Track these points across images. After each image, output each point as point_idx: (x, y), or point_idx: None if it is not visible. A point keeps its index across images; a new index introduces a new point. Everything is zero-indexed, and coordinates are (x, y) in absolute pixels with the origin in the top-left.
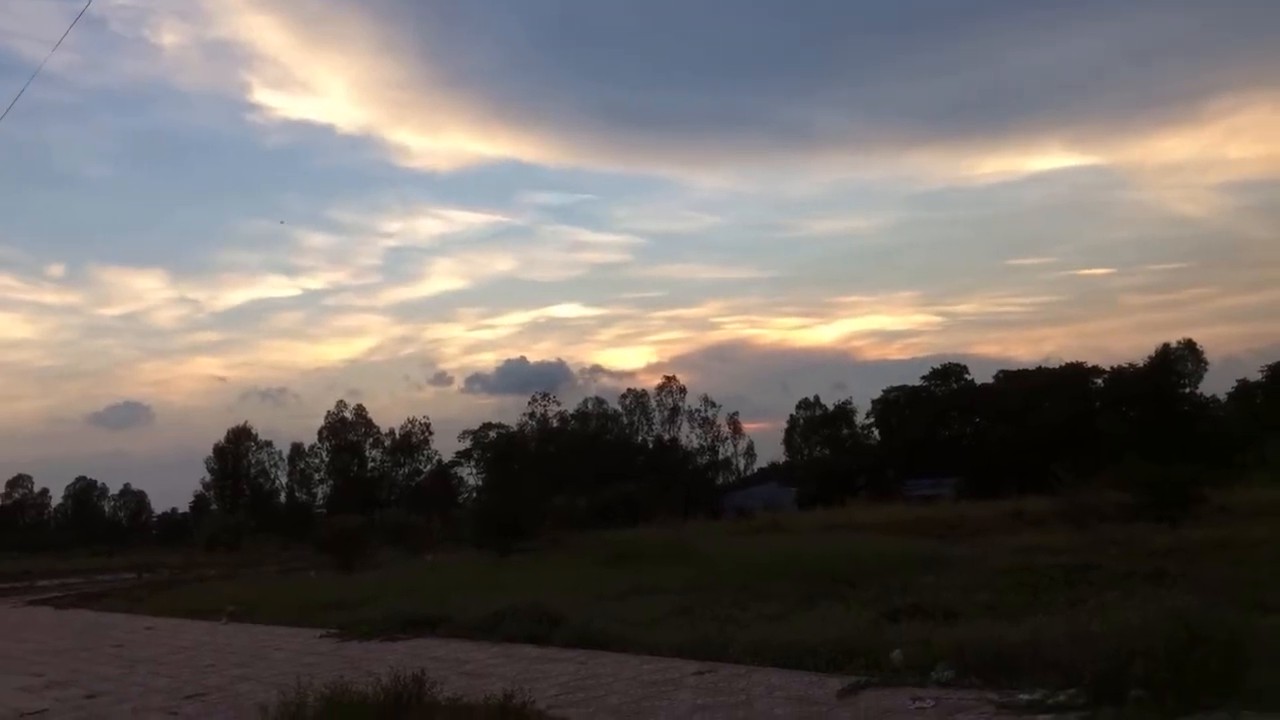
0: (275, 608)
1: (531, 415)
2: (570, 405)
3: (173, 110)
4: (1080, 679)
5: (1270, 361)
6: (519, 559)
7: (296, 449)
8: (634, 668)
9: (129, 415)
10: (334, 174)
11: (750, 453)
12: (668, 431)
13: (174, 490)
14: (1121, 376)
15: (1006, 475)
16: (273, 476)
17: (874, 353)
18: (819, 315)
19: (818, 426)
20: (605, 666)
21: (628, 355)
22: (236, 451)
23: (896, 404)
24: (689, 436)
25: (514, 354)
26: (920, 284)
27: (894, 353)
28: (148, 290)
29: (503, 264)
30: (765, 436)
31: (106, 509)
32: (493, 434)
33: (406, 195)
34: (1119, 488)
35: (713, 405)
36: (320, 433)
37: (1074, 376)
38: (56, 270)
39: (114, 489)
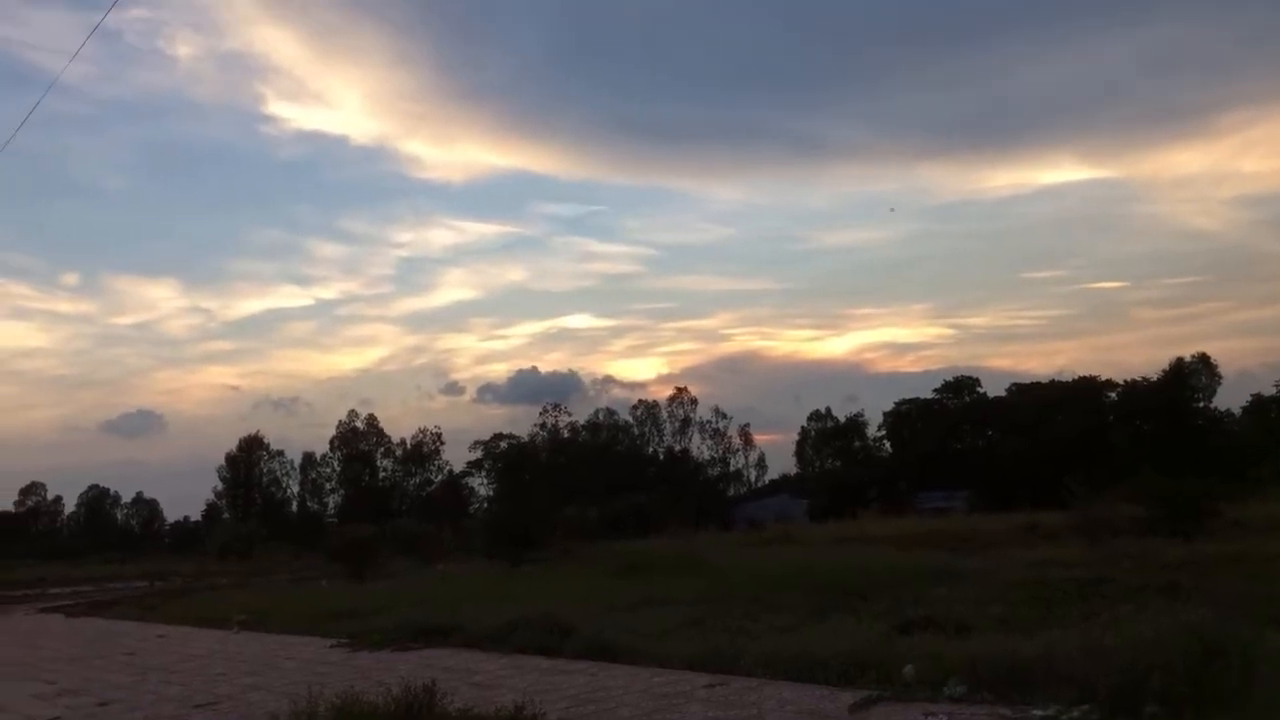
0: (287, 616)
1: (543, 426)
2: (581, 416)
3: (187, 121)
4: (1094, 694)
5: None
6: (530, 569)
7: (308, 458)
8: (645, 680)
9: (142, 424)
10: (347, 185)
11: (761, 464)
12: (679, 443)
13: (186, 499)
14: (1135, 390)
15: (1019, 488)
16: (284, 485)
17: (886, 365)
18: (831, 327)
19: (829, 438)
20: (616, 678)
21: (639, 366)
22: (248, 460)
23: (908, 416)
24: (700, 448)
25: (525, 364)
26: (933, 296)
27: (906, 365)
28: (161, 299)
29: (514, 274)
30: (776, 448)
31: (119, 517)
32: (504, 444)
33: (419, 206)
34: (1132, 501)
35: (724, 417)
36: (332, 442)
37: (1087, 390)
38: (71, 279)
39: (126, 497)
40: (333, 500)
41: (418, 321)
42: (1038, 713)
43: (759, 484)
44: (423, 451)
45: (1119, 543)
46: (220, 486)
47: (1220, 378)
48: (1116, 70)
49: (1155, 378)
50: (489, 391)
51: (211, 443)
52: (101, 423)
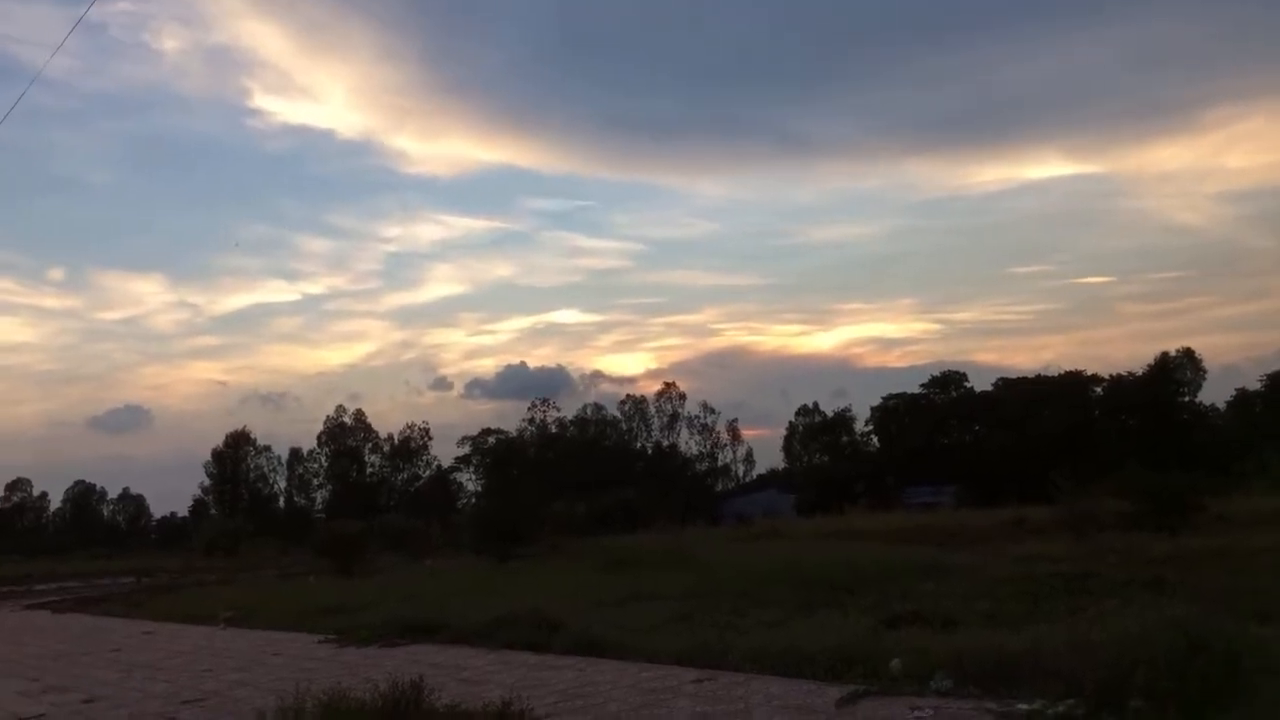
0: (273, 613)
1: (531, 421)
2: (570, 411)
3: (173, 115)
4: (1080, 688)
5: (1269, 370)
6: (518, 565)
7: (295, 454)
8: (633, 675)
9: (129, 419)
10: (334, 179)
11: (749, 459)
12: (667, 438)
13: (173, 494)
14: (1120, 385)
15: (1006, 483)
16: (271, 481)
17: (873, 360)
18: (818, 322)
19: (817, 433)
20: (604, 674)
21: (627, 361)
22: (235, 456)
23: (896, 411)
24: (688, 443)
25: (514, 359)
26: (919, 292)
27: (893, 360)
28: (148, 294)
29: (502, 269)
30: (764, 443)
31: (105, 513)
32: (492, 440)
33: (406, 201)
34: (1118, 496)
35: (712, 412)
36: (319, 437)
37: (1073, 385)
38: (57, 274)
39: (113, 493)
40: (320, 496)
41: (405, 316)
42: (1024, 707)
43: (747, 479)
44: (410, 447)
45: (1105, 537)
46: (207, 482)
47: (1205, 372)
48: (1101, 66)
49: (1141, 372)
50: (477, 387)
51: (199, 438)
52: (88, 418)
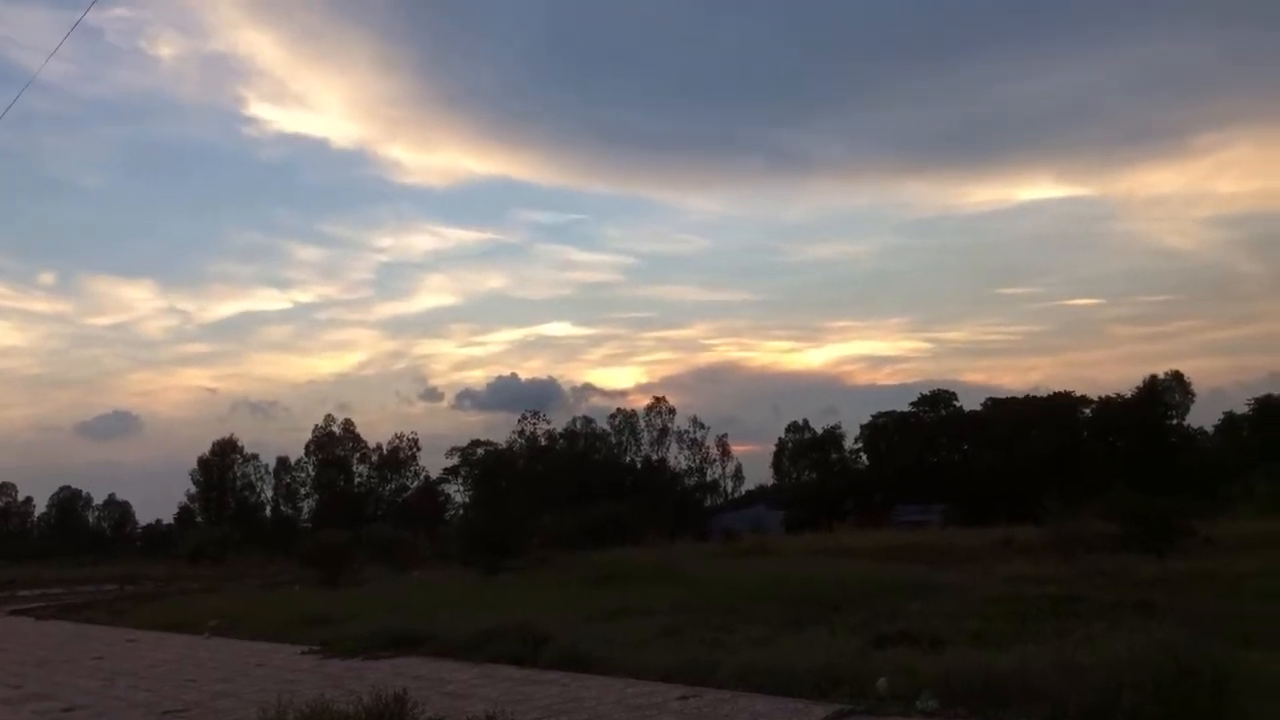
0: (258, 622)
1: (521, 433)
2: (560, 424)
3: (167, 122)
4: (1067, 711)
5: (1257, 394)
6: (505, 577)
7: (282, 463)
8: (618, 691)
9: (117, 425)
10: (327, 188)
11: (739, 475)
12: (656, 452)
13: (160, 501)
14: (1109, 407)
15: (994, 503)
16: (258, 490)
17: (863, 378)
18: (809, 339)
19: (806, 450)
20: (589, 689)
21: (618, 375)
22: (222, 464)
23: (885, 429)
24: (677, 457)
25: (504, 371)
26: (910, 311)
27: (883, 378)
28: (138, 300)
29: (494, 281)
30: (754, 459)
31: (91, 519)
32: (481, 451)
33: (400, 211)
34: (1106, 518)
35: (701, 427)
36: (307, 447)
37: (1062, 406)
38: (47, 279)
39: (99, 499)
40: (307, 505)
41: (396, 326)
42: None
43: (736, 495)
44: (399, 457)
45: (1093, 559)
46: (194, 490)
47: (1193, 396)
48: (1094, 89)
49: (1129, 395)
50: (467, 398)
51: (187, 445)
52: (76, 423)
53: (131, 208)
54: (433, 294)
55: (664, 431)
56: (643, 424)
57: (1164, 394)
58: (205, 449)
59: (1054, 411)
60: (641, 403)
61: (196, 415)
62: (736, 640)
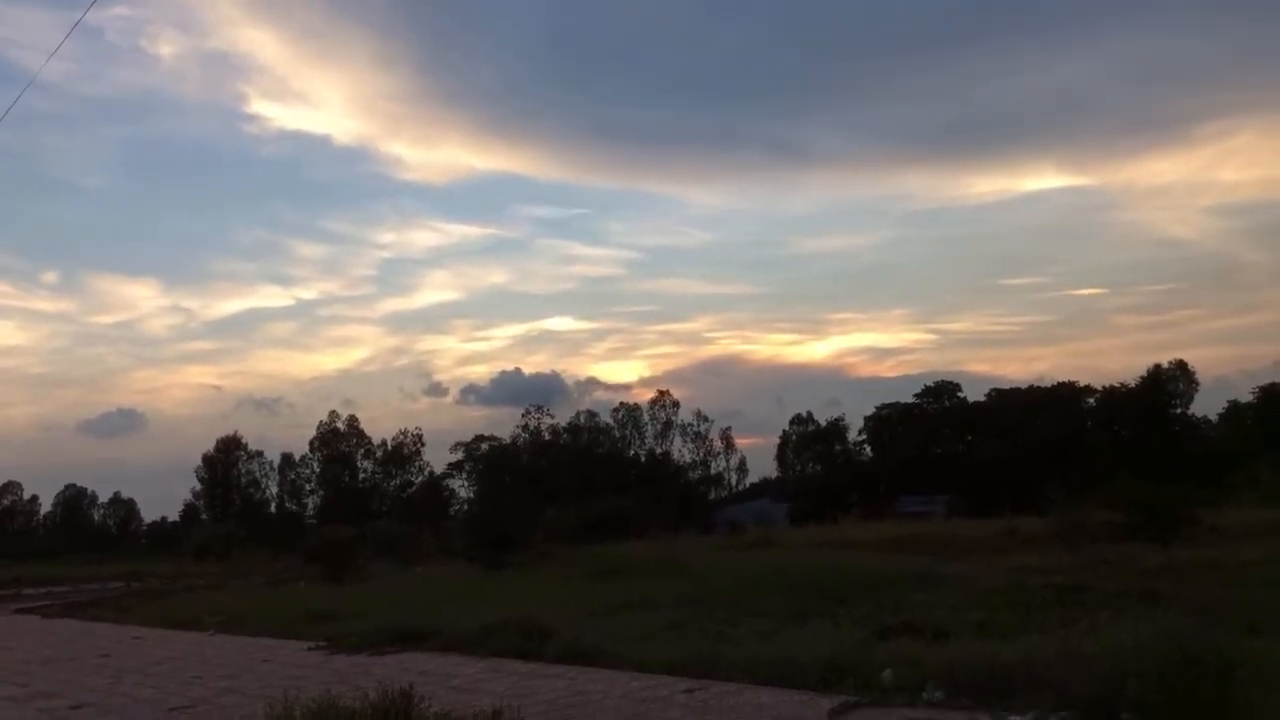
0: (264, 619)
1: (525, 428)
2: (564, 418)
3: (169, 120)
4: (1072, 700)
5: (1261, 383)
6: (510, 572)
7: (287, 459)
8: (623, 685)
9: (122, 423)
10: (329, 185)
11: (743, 468)
12: (660, 446)
13: (165, 499)
14: (1113, 396)
15: (998, 493)
16: (263, 486)
17: (867, 370)
18: (812, 332)
19: (810, 442)
20: (595, 683)
21: (621, 369)
22: (226, 461)
23: (889, 421)
24: (681, 451)
25: (508, 366)
26: (913, 302)
27: (887, 370)
28: (141, 299)
29: (496, 276)
30: (758, 452)
31: (96, 517)
32: (485, 446)
33: (401, 207)
34: (1111, 507)
35: (705, 420)
36: (312, 443)
37: (1066, 395)
38: (50, 277)
39: (104, 497)
40: (312, 502)
41: (399, 322)
42: (1015, 718)
43: (740, 487)
44: (403, 453)
45: (1097, 549)
46: (198, 487)
47: (1197, 384)
48: (1096, 79)
49: (1133, 384)
50: (472, 393)
51: (192, 443)
52: (80, 422)
53: (133, 206)
54: (435, 290)
55: (668, 425)
56: (646, 418)
57: (1168, 383)
58: (210, 446)
59: (1058, 401)
60: (645, 396)
61: (201, 413)
62: (741, 633)
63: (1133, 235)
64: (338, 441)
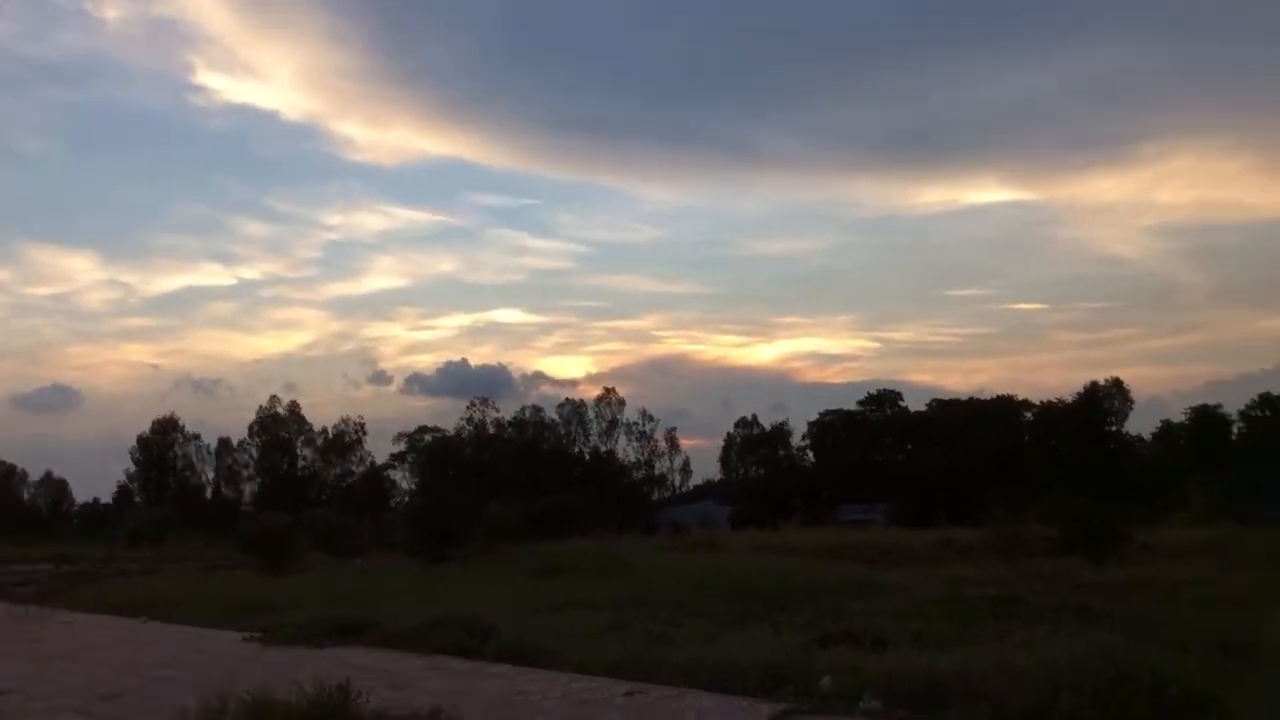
0: (198, 607)
1: (469, 420)
2: (509, 412)
3: (113, 87)
4: (1007, 713)
5: (1194, 404)
6: (451, 567)
7: (224, 444)
8: (563, 685)
9: (56, 399)
10: (276, 162)
11: (686, 469)
12: (605, 444)
13: (98, 479)
14: (1050, 411)
15: (937, 503)
16: (199, 471)
17: (812, 375)
18: (759, 334)
19: (755, 446)
20: (535, 683)
21: (568, 364)
22: (163, 443)
23: (832, 427)
24: (625, 450)
25: (454, 356)
26: (858, 309)
27: (831, 376)
28: (78, 271)
29: (444, 264)
30: (702, 453)
31: (26, 495)
32: (428, 437)
33: (349, 189)
34: (1046, 522)
35: (650, 419)
36: (251, 428)
37: (1005, 408)
38: None
39: (35, 475)
40: (249, 488)
41: (344, 307)
42: None
43: (683, 489)
44: (344, 441)
45: (1033, 563)
46: (133, 469)
47: (1132, 403)
48: (1043, 95)
49: (1071, 400)
50: (416, 382)
51: (128, 422)
52: (12, 395)
53: (73, 175)
54: (381, 275)
55: (613, 423)
56: (592, 414)
57: (1104, 400)
58: (145, 427)
59: (997, 414)
60: (592, 393)
61: (138, 391)
62: (682, 636)
63: (1074, 252)
64: (277, 427)
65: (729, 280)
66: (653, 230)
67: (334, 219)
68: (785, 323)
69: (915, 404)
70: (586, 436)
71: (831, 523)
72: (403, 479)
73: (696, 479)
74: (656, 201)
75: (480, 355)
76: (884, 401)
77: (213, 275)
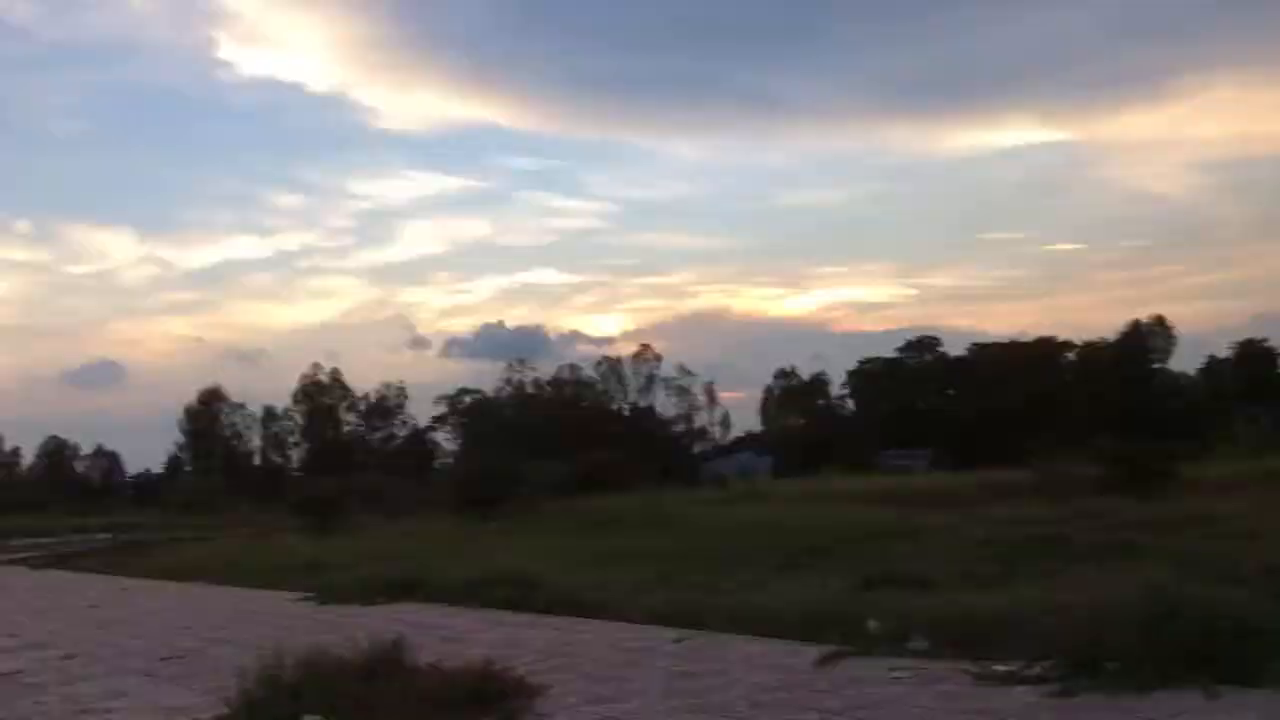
0: (250, 571)
1: (508, 381)
2: (548, 371)
3: (140, 66)
4: (1055, 651)
5: (1238, 338)
6: (496, 525)
7: (269, 411)
8: (612, 635)
9: (102, 374)
10: (304, 133)
11: (726, 422)
12: (643, 399)
13: (148, 451)
14: (1092, 351)
15: (980, 447)
16: (246, 439)
17: (849, 324)
18: (794, 285)
19: (794, 396)
20: (584, 633)
21: (603, 322)
22: (209, 413)
23: (871, 375)
24: (664, 405)
25: (491, 319)
26: (894, 256)
27: (869, 324)
28: (116, 248)
29: (477, 228)
30: (741, 406)
31: (79, 469)
32: (468, 399)
33: (378, 156)
34: (1091, 461)
35: (688, 374)
36: (294, 395)
37: (1046, 350)
38: (23, 227)
39: (87, 449)
40: (295, 454)
41: (380, 274)
42: (1000, 668)
43: (724, 441)
44: (386, 405)
45: (1078, 502)
46: (181, 439)
47: (1175, 340)
48: (1076, 32)
49: (1113, 339)
50: (455, 346)
51: (173, 394)
52: (62, 372)
53: (105, 154)
54: (415, 241)
55: (651, 379)
56: (629, 371)
57: (1147, 338)
58: (191, 398)
59: (1038, 357)
60: (628, 350)
61: (181, 363)
62: (728, 584)
63: (1112, 190)
64: (320, 394)
65: (761, 232)
66: (683, 185)
67: (365, 187)
68: (820, 273)
69: (955, 349)
70: (625, 393)
71: (874, 470)
72: (445, 440)
73: (736, 431)
74: (683, 157)
75: (516, 317)
76: (923, 347)
77: (248, 248)
